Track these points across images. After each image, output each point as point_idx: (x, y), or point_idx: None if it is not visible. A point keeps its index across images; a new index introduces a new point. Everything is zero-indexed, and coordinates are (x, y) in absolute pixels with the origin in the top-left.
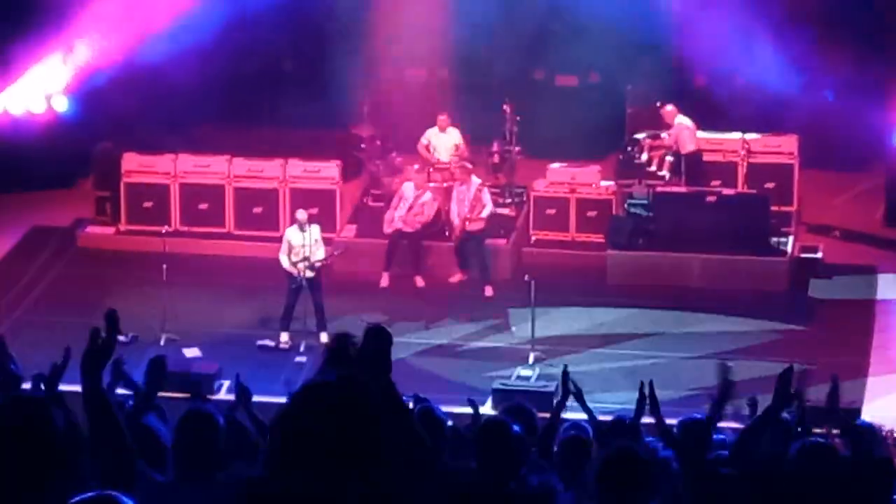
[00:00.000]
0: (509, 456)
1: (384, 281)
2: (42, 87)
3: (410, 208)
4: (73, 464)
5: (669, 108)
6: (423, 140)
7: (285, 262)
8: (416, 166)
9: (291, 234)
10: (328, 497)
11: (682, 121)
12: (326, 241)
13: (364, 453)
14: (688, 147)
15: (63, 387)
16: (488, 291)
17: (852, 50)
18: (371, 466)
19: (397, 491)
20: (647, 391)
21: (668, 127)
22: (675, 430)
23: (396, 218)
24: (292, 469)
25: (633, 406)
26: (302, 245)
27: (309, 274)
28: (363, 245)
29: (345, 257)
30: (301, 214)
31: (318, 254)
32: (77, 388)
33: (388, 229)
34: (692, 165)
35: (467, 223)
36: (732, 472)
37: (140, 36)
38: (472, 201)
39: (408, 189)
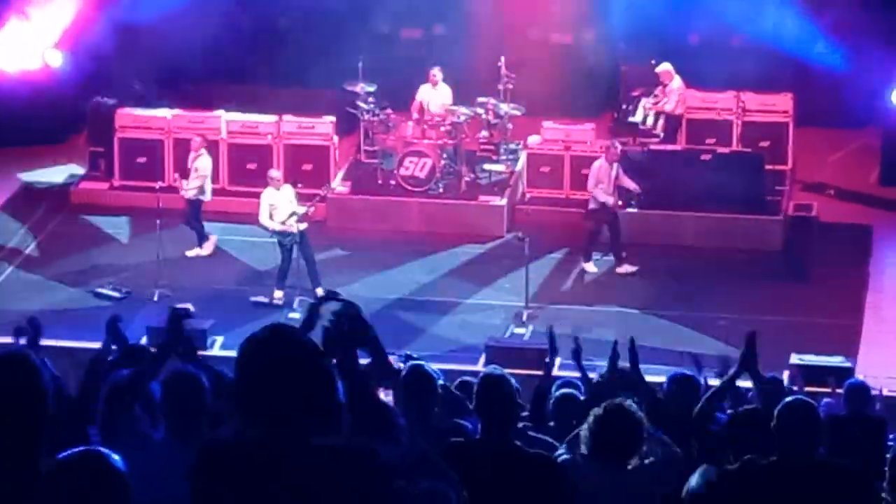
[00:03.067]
0: (509, 412)
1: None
2: (36, 42)
3: (187, 174)
4: (60, 420)
5: (667, 66)
6: (418, 98)
7: (273, 225)
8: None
9: (270, 195)
10: (283, 449)
11: (679, 83)
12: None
13: (310, 404)
14: (675, 109)
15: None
16: (627, 268)
17: (849, 7)
18: (322, 419)
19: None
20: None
21: (662, 85)
22: (664, 385)
23: (179, 185)
24: (250, 419)
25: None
26: (289, 201)
27: (302, 226)
28: (357, 201)
29: (341, 214)
30: (275, 173)
31: (300, 208)
32: (60, 343)
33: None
34: (670, 126)
35: (618, 203)
36: (721, 429)
37: None
38: (615, 181)
39: (190, 158)
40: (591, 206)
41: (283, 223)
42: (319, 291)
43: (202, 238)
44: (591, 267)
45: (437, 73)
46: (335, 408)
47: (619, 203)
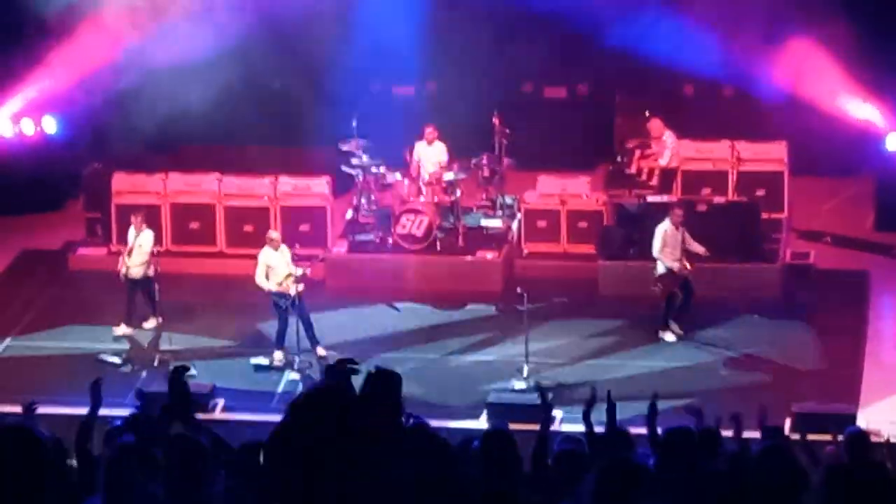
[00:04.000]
0: (512, 467)
1: (121, 330)
2: (30, 109)
3: (130, 251)
4: (62, 485)
5: (656, 122)
6: (415, 157)
7: (269, 285)
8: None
9: (268, 256)
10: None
11: (670, 136)
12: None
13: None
14: (670, 163)
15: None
16: (671, 336)
17: (843, 55)
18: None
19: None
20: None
21: (653, 139)
22: (661, 437)
23: (121, 262)
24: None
25: (629, 416)
26: (286, 262)
27: (298, 287)
28: (355, 260)
29: (339, 273)
30: (274, 234)
31: (297, 270)
32: (61, 410)
33: (122, 278)
34: (666, 179)
35: (686, 267)
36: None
37: (126, 56)
38: (683, 244)
39: (130, 234)
40: (660, 270)
41: (280, 284)
42: (320, 351)
43: (148, 311)
44: (669, 336)
45: (431, 130)
46: (366, 460)
47: (688, 267)
